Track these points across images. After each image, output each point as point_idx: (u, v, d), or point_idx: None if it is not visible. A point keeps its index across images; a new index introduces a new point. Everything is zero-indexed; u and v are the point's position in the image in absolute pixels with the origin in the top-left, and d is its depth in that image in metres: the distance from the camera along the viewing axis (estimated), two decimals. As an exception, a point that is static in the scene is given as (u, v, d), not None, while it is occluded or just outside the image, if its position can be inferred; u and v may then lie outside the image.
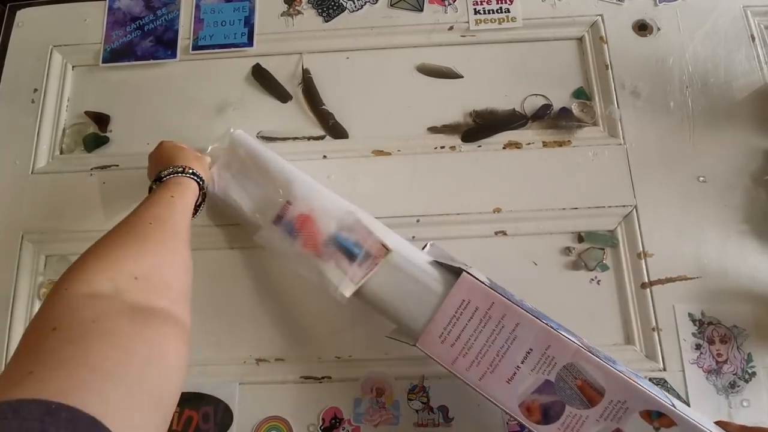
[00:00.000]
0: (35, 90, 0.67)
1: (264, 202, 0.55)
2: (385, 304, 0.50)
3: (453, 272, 0.49)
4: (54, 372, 0.25)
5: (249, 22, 0.68)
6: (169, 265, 0.38)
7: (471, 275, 0.47)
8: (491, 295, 0.46)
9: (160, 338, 0.31)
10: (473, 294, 0.46)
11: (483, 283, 0.46)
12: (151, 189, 0.50)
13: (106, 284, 0.32)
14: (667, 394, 0.45)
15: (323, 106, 0.65)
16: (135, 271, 0.34)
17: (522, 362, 0.44)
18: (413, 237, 0.58)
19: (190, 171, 0.51)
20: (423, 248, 0.53)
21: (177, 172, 0.50)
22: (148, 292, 0.34)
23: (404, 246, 0.52)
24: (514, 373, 0.44)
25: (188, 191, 0.49)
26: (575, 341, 0.44)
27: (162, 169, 0.51)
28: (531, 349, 0.44)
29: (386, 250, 0.51)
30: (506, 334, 0.45)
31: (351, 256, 0.51)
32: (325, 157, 0.62)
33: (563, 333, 0.44)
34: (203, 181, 0.52)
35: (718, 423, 0.43)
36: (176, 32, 0.68)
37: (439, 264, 0.50)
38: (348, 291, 0.50)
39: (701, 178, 0.60)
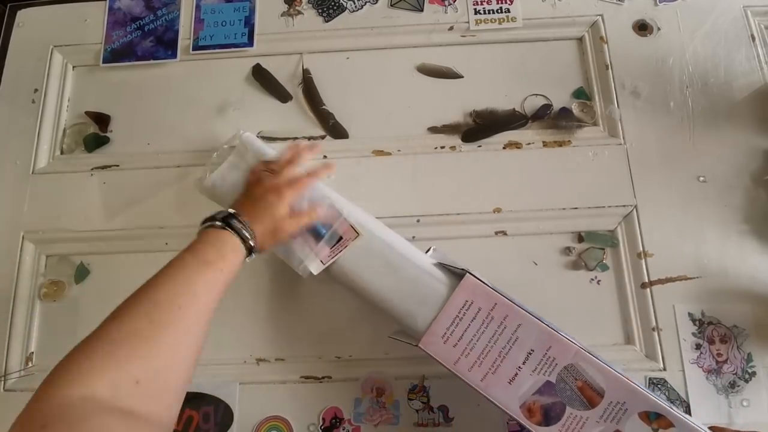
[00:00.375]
0: (36, 90, 0.67)
1: None
2: (388, 304, 0.50)
3: (457, 274, 0.49)
4: None
5: (249, 22, 0.68)
6: (180, 363, 0.35)
7: (475, 277, 0.47)
8: (494, 296, 0.46)
9: None
10: (476, 295, 0.46)
11: (486, 284, 0.47)
12: (213, 220, 0.45)
13: (103, 389, 0.30)
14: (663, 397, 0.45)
15: (323, 106, 0.65)
16: (139, 374, 0.32)
17: (523, 363, 0.44)
18: (413, 237, 0.58)
19: (251, 244, 0.46)
20: (426, 252, 0.53)
21: (246, 238, 0.45)
22: (146, 398, 0.32)
23: (407, 247, 0.52)
24: (516, 374, 0.44)
25: (238, 262, 0.44)
26: (576, 342, 0.44)
27: (241, 212, 0.46)
28: (532, 350, 0.44)
29: (355, 233, 0.52)
30: (508, 334, 0.45)
31: (317, 235, 0.53)
32: (325, 157, 0.62)
33: (564, 335, 0.44)
34: (252, 256, 0.47)
35: (713, 428, 0.43)
36: (176, 32, 0.68)
37: (442, 266, 0.50)
38: (315, 269, 0.52)
39: (701, 178, 0.60)
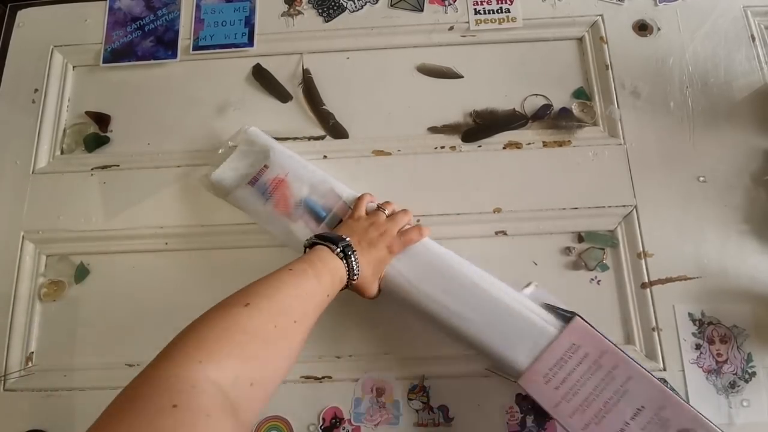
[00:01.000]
0: (36, 90, 0.67)
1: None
2: (488, 339, 0.48)
3: (564, 315, 0.47)
4: None
5: (249, 22, 0.68)
6: (284, 374, 0.37)
7: (584, 321, 0.46)
8: (603, 343, 0.44)
9: None
10: (585, 340, 0.45)
11: (596, 330, 0.45)
12: (331, 243, 0.46)
13: (226, 381, 0.30)
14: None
15: (323, 106, 0.65)
16: (255, 376, 0.33)
17: (631, 419, 0.42)
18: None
19: (352, 282, 0.47)
20: (526, 286, 0.53)
21: (354, 277, 0.46)
22: (254, 402, 0.32)
23: (500, 285, 0.51)
24: (622, 429, 0.42)
25: (338, 288, 0.45)
26: (693, 407, 0.42)
27: (356, 239, 0.47)
28: (642, 407, 0.42)
29: None
30: (616, 386, 0.43)
31: (318, 218, 0.55)
32: (325, 157, 0.62)
33: (680, 397, 0.42)
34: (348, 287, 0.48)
35: None
36: (177, 32, 0.68)
37: (548, 306, 0.49)
38: None
39: (701, 178, 0.60)
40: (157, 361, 0.30)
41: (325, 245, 0.46)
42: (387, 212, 0.54)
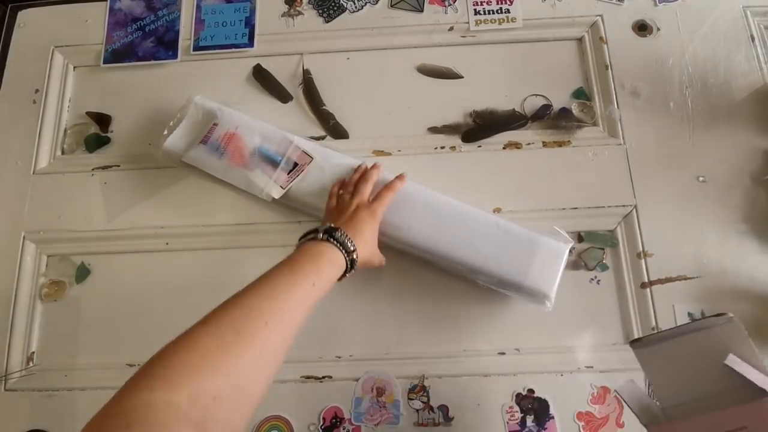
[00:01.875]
0: (37, 90, 0.67)
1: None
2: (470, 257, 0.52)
3: (754, 389, 0.38)
4: None
5: (250, 23, 0.68)
6: (258, 380, 0.35)
7: None
8: None
9: None
10: (763, 427, 0.36)
11: None
12: (315, 233, 0.46)
13: (182, 399, 0.30)
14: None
15: (324, 107, 0.65)
16: (217, 390, 0.32)
17: None
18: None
19: (354, 257, 0.46)
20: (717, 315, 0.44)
21: (350, 250, 0.45)
22: (219, 414, 0.32)
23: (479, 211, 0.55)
24: None
25: (333, 276, 0.44)
26: None
27: (339, 224, 0.47)
28: None
29: (309, 157, 0.58)
30: None
31: (274, 163, 0.58)
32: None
33: None
34: (352, 271, 0.47)
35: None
36: (177, 33, 0.68)
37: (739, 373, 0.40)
38: (276, 193, 0.57)
39: (701, 178, 0.60)
40: (112, 398, 0.31)
41: (306, 238, 0.46)
42: (349, 189, 0.54)
